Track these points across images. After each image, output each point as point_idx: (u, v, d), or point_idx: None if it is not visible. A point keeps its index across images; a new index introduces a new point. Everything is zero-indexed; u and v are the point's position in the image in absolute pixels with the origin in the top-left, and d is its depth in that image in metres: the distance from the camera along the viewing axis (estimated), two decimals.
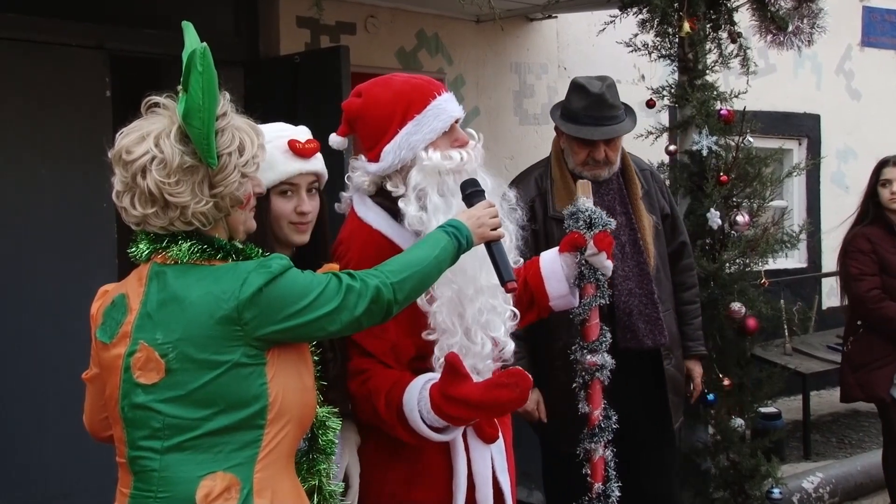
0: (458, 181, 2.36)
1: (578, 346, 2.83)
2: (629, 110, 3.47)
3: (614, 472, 2.84)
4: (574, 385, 2.86)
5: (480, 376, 2.35)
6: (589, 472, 2.82)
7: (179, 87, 1.84)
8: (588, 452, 2.82)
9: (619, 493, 2.83)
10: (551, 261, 2.69)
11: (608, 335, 2.83)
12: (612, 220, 2.77)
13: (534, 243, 3.32)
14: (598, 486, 2.81)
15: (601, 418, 2.82)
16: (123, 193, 1.84)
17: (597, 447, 2.81)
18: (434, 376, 2.30)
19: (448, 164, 2.35)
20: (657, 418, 3.50)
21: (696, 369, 3.66)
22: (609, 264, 2.72)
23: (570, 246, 2.68)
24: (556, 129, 3.51)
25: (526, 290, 2.65)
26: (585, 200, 2.78)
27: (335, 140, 2.49)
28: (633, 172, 3.48)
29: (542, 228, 3.39)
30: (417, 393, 2.29)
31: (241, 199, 1.88)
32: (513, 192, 2.58)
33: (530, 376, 2.25)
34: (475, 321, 2.36)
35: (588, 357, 2.80)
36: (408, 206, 2.36)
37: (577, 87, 3.43)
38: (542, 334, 3.23)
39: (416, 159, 2.36)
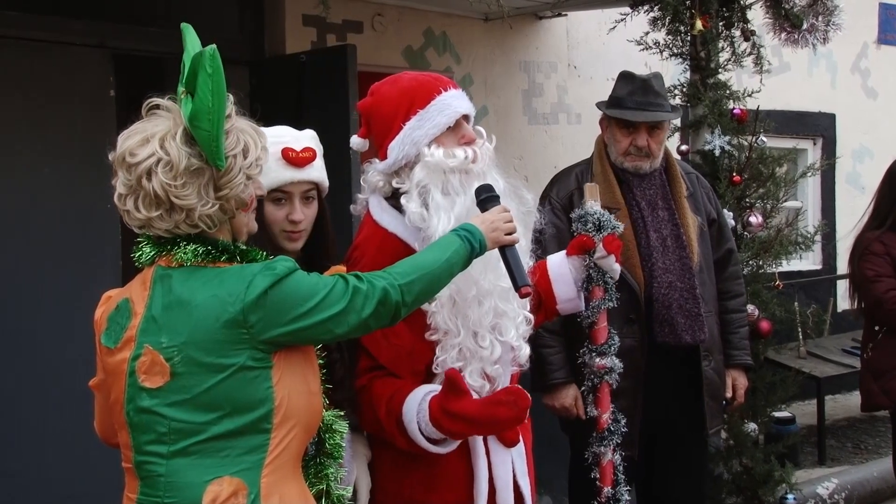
0: (464, 181, 2.34)
1: (587, 349, 2.83)
2: (674, 108, 3.50)
3: (623, 476, 2.84)
4: (582, 388, 2.87)
5: (489, 382, 2.36)
6: (598, 476, 2.82)
7: (182, 89, 1.82)
8: (597, 456, 2.82)
9: (628, 497, 2.83)
10: (559, 264, 2.69)
11: (616, 338, 2.83)
12: (620, 223, 2.76)
13: (570, 236, 3.29)
14: (607, 489, 2.81)
15: (610, 422, 2.82)
16: (127, 196, 1.82)
17: (606, 451, 2.81)
18: (434, 388, 2.29)
19: (451, 162, 2.32)
20: (691, 421, 3.44)
21: (741, 380, 3.57)
22: (617, 267, 2.73)
23: (578, 249, 2.68)
24: (601, 122, 3.50)
25: (534, 293, 2.60)
26: (593, 203, 2.78)
27: (356, 142, 2.49)
28: (678, 172, 3.47)
29: None
30: (417, 405, 2.27)
31: (245, 201, 1.88)
32: (532, 195, 2.55)
33: (529, 396, 2.25)
34: (482, 324, 2.33)
35: (597, 360, 2.80)
36: (409, 203, 2.34)
37: (623, 75, 3.46)
38: (577, 330, 3.16)
39: (419, 156, 2.33)
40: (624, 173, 3.37)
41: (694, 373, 3.40)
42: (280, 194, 2.28)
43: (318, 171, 2.34)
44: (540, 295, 2.64)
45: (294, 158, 2.27)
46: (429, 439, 2.28)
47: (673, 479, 3.48)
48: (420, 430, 2.26)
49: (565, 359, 3.30)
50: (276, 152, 2.25)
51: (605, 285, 2.72)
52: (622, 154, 3.36)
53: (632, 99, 3.35)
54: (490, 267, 2.27)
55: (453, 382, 2.20)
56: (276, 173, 2.25)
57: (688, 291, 3.30)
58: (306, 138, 2.34)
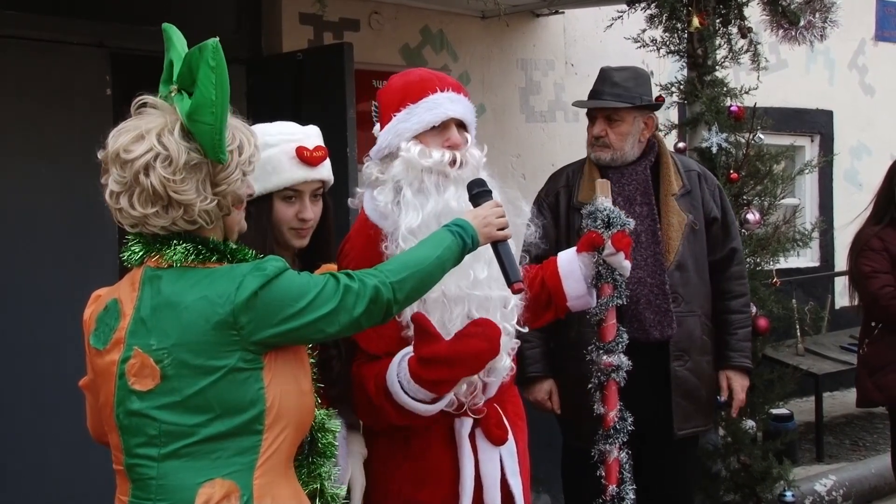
0: (440, 184, 2.34)
1: (594, 347, 2.82)
2: (648, 102, 3.41)
3: (629, 475, 2.82)
4: (589, 386, 2.85)
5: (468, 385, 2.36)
6: (603, 473, 2.81)
7: (173, 87, 1.81)
8: (602, 454, 2.81)
9: (633, 496, 2.81)
10: (569, 261, 2.68)
11: (625, 336, 2.82)
12: (630, 220, 2.74)
13: (555, 233, 3.35)
14: (612, 488, 2.80)
15: (616, 419, 2.80)
16: (121, 194, 1.80)
17: (611, 449, 2.80)
18: (411, 350, 2.28)
19: (425, 162, 2.33)
20: (665, 420, 3.41)
21: (738, 381, 3.47)
22: (627, 264, 2.71)
23: (587, 245, 2.67)
24: None
25: (543, 290, 2.63)
26: (604, 200, 2.78)
27: (376, 129, 2.49)
28: (671, 170, 3.42)
29: (565, 219, 3.40)
30: (397, 366, 2.28)
31: (242, 197, 1.87)
32: (529, 207, 2.56)
33: (499, 326, 2.25)
34: (450, 329, 2.31)
35: (604, 358, 2.79)
36: (380, 195, 2.37)
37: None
38: (555, 324, 3.15)
39: (399, 149, 2.35)
40: (605, 169, 3.37)
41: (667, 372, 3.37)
42: (291, 192, 2.28)
43: (327, 170, 2.35)
44: (550, 292, 2.64)
45: (309, 158, 2.27)
46: (417, 399, 2.27)
47: (658, 478, 3.40)
48: (403, 390, 2.26)
49: (542, 353, 3.31)
50: (290, 150, 2.26)
51: (614, 282, 2.72)
52: (589, 145, 3.41)
53: (592, 90, 3.42)
54: (461, 273, 2.25)
55: (421, 326, 2.20)
56: (289, 172, 2.26)
57: (658, 287, 3.29)
58: (316, 136, 2.34)
